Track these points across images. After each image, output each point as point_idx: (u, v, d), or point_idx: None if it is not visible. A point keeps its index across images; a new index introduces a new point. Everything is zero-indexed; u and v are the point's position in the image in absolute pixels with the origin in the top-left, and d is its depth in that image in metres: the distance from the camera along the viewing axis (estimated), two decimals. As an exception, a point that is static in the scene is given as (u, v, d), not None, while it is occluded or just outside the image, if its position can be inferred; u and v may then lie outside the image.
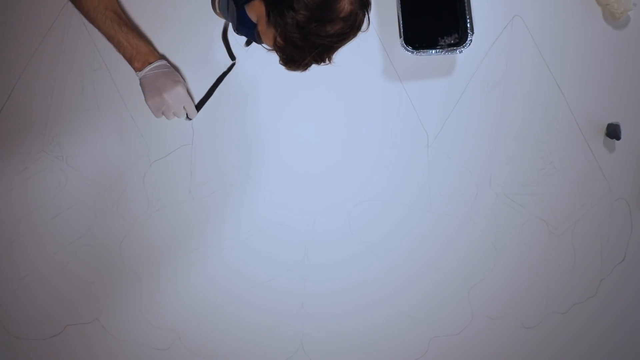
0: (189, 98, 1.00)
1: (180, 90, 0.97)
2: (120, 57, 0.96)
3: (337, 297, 1.07)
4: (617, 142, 1.09)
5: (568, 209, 1.10)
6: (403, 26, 1.00)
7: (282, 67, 0.82)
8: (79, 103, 1.03)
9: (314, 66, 0.82)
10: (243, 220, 1.06)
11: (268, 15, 0.80)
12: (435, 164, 1.08)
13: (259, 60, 1.05)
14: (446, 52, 1.02)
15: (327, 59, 0.84)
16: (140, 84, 0.97)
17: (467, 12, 1.01)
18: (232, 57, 1.04)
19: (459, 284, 1.09)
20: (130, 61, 0.96)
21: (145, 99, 0.97)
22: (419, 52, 1.01)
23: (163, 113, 0.98)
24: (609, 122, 1.09)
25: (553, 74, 1.09)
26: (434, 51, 1.01)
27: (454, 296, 1.09)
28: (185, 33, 1.03)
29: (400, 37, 1.00)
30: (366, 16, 0.82)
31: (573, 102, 1.09)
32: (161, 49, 1.03)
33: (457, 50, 1.01)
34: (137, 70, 0.96)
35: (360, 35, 1.05)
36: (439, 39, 1.05)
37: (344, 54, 1.05)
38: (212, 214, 1.05)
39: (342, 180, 1.07)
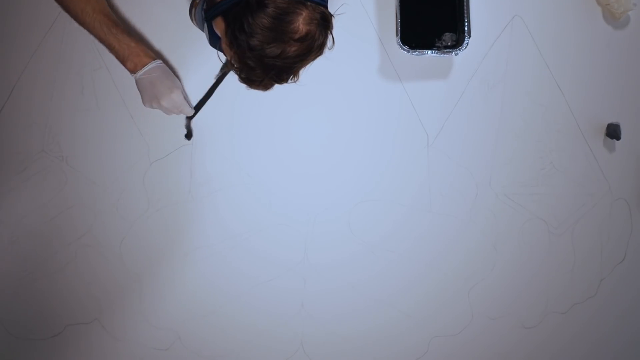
0: (185, 102, 0.98)
1: (175, 97, 0.95)
2: (120, 57, 0.96)
3: (337, 297, 1.07)
4: (617, 142, 1.09)
5: (568, 209, 1.10)
6: (400, 25, 1.01)
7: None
8: (79, 103, 1.03)
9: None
10: (243, 220, 1.06)
11: (226, 34, 0.78)
12: (436, 164, 1.08)
13: (259, 60, 1.05)
14: (442, 53, 1.02)
15: (289, 79, 0.80)
16: (137, 85, 0.95)
17: (465, 15, 1.01)
18: (232, 57, 1.04)
19: (459, 284, 1.09)
20: (123, 63, 0.93)
21: (142, 101, 0.96)
22: (414, 52, 1.01)
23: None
24: (609, 122, 1.09)
25: (553, 74, 1.09)
26: (430, 52, 1.02)
27: (454, 296, 1.09)
28: (184, 33, 1.03)
29: (397, 35, 1.00)
30: (329, 35, 0.79)
31: (573, 102, 1.09)
32: (160, 48, 1.02)
33: (453, 53, 1.01)
34: (130, 71, 0.93)
35: (360, 35, 1.06)
36: (436, 40, 1.05)
37: (344, 55, 1.05)
38: (212, 214, 1.05)
39: (342, 180, 1.07)
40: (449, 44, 1.05)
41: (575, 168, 1.10)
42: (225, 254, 1.06)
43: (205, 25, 0.85)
